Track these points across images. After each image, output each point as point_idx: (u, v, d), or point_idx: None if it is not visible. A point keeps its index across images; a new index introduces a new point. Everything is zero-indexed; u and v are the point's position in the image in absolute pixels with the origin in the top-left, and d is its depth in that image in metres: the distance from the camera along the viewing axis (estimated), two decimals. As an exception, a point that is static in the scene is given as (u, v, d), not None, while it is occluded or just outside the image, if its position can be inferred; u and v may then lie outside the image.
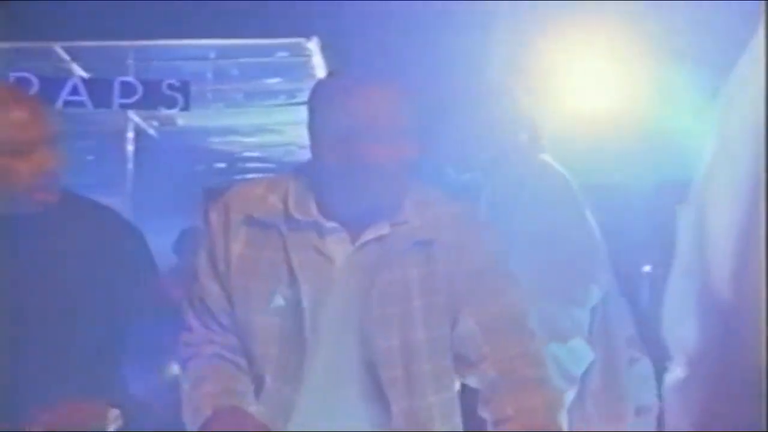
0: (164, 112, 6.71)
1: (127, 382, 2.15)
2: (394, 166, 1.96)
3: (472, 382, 2.02)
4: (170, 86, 6.43)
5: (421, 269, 1.99)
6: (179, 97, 6.43)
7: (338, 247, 1.98)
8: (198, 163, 8.26)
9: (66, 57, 6.46)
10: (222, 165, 8.26)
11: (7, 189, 2.01)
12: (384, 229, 1.99)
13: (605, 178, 5.31)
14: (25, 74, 6.15)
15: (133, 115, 7.18)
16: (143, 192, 7.35)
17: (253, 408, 2.01)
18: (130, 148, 7.37)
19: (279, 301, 2.00)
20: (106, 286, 2.14)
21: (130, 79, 6.44)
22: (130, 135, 7.33)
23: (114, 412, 2.06)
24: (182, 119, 7.33)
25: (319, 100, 1.99)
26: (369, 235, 1.98)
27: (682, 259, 1.06)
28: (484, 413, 2.00)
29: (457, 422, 2.05)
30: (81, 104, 6.37)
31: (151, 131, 7.81)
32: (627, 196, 5.33)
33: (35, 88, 6.18)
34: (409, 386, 1.98)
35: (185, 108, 6.50)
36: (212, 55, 6.71)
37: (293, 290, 1.98)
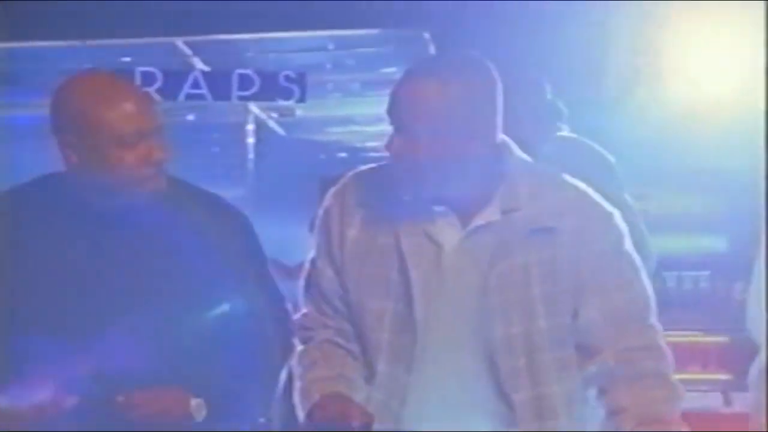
0: (282, 103, 6.79)
1: (223, 373, 2.16)
2: (486, 155, 1.96)
3: (591, 373, 2.00)
4: (287, 78, 6.50)
5: (541, 256, 1.97)
6: (295, 88, 6.50)
7: (448, 232, 1.99)
8: (319, 153, 8.33)
9: (188, 51, 6.61)
10: (343, 155, 8.31)
11: (115, 179, 2.06)
12: (494, 215, 1.99)
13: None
14: (150, 69, 6.33)
15: (254, 107, 7.30)
16: (265, 183, 7.47)
17: (363, 394, 2.03)
18: (250, 140, 7.48)
19: (390, 286, 2.01)
20: (211, 273, 2.17)
21: (247, 71, 6.54)
22: (251, 127, 7.45)
23: (196, 402, 2.07)
24: (301, 110, 7.40)
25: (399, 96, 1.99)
26: (479, 220, 1.98)
27: None
28: (600, 404, 1.98)
29: (581, 413, 2.02)
30: (202, 97, 6.51)
31: (271, 123, 7.93)
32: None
33: (159, 82, 6.36)
34: (531, 376, 1.97)
35: (301, 99, 6.56)
36: (331, 46, 6.75)
37: (403, 275, 2.00)
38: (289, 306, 2.30)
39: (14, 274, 2.12)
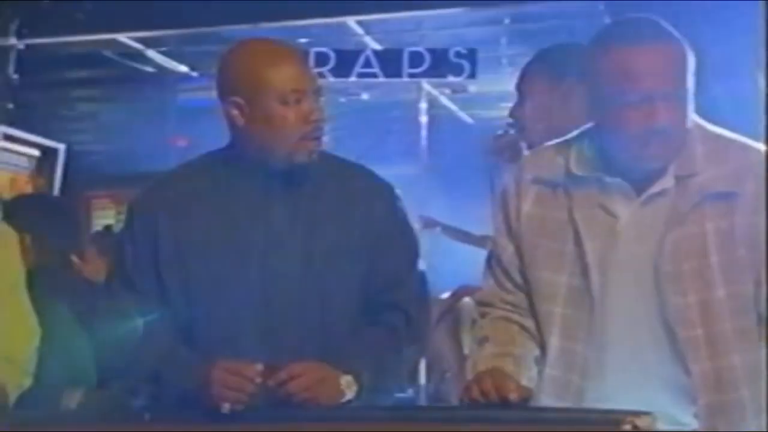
0: (452, 80, 6.78)
1: (370, 348, 2.21)
2: (669, 127, 1.91)
3: None
4: (457, 54, 6.50)
5: (719, 223, 1.93)
6: (466, 64, 6.49)
7: (622, 202, 1.97)
8: (493, 129, 8.28)
9: (359, 31, 6.69)
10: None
11: (278, 137, 2.20)
12: (668, 183, 1.95)
13: None
14: (323, 49, 6.45)
15: (426, 84, 7.33)
16: (438, 159, 7.51)
17: (532, 371, 2.03)
18: (423, 117, 7.52)
19: (564, 259, 2.00)
20: (361, 246, 2.25)
21: (418, 48, 6.57)
22: (423, 105, 7.49)
23: (347, 378, 2.10)
24: (475, 86, 7.39)
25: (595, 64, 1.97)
26: (654, 188, 1.95)
27: None
28: None
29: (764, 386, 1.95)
30: (373, 76, 6.59)
31: (444, 99, 7.94)
32: None
33: (332, 62, 6.47)
34: (710, 346, 1.93)
35: (472, 76, 6.55)
36: (507, 20, 6.70)
37: (578, 248, 1.99)
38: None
39: (187, 244, 2.25)
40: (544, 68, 2.88)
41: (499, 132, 3.03)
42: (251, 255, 2.22)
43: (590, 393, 1.99)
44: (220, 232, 2.24)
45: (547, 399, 2.01)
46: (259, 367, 2.05)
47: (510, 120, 2.97)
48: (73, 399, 3.11)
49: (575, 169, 2.02)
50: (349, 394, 2.11)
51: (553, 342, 2.03)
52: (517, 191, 2.09)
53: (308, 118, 2.18)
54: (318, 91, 2.23)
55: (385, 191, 2.36)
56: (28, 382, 2.10)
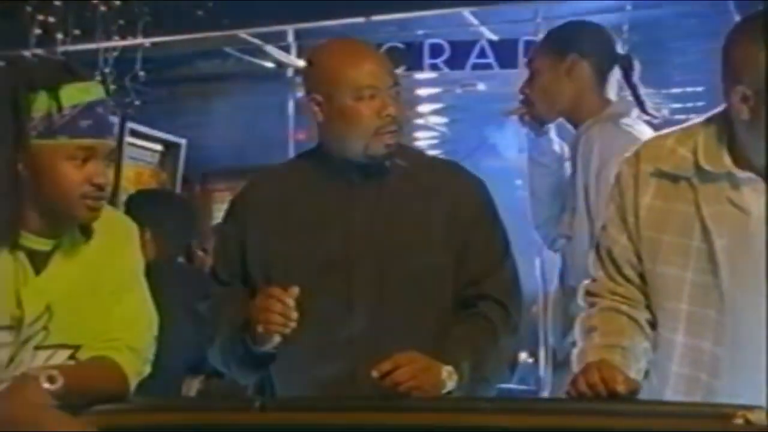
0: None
1: (467, 339, 2.23)
2: None
3: None
4: (570, 42, 6.40)
5: None
6: (579, 51, 6.38)
7: (754, 197, 1.92)
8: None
9: (474, 21, 6.66)
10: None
11: (354, 131, 2.29)
12: None
13: None
14: (437, 41, 6.45)
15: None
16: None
17: (640, 364, 2.01)
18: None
19: (690, 255, 1.96)
20: (449, 238, 2.29)
21: (532, 38, 6.50)
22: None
23: (447, 369, 2.12)
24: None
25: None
26: None
27: None
28: None
29: None
30: (488, 66, 6.55)
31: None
32: None
33: (447, 53, 6.46)
34: None
35: (588, 65, 6.43)
36: (628, 7, 6.57)
37: (706, 243, 1.95)
38: None
39: (273, 244, 2.35)
40: (548, 46, 2.96)
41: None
42: (335, 253, 2.29)
43: (722, 391, 1.96)
44: (305, 230, 2.32)
45: (674, 396, 1.99)
46: (294, 290, 2.08)
47: (520, 96, 3.05)
48: (192, 386, 3.20)
49: (704, 163, 1.97)
50: (450, 385, 2.13)
51: (679, 339, 2.00)
52: (634, 183, 2.06)
53: (381, 113, 2.25)
54: (395, 88, 2.30)
55: (473, 185, 2.39)
56: (147, 369, 2.17)
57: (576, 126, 2.94)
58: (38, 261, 2.04)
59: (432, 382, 2.10)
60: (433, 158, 2.57)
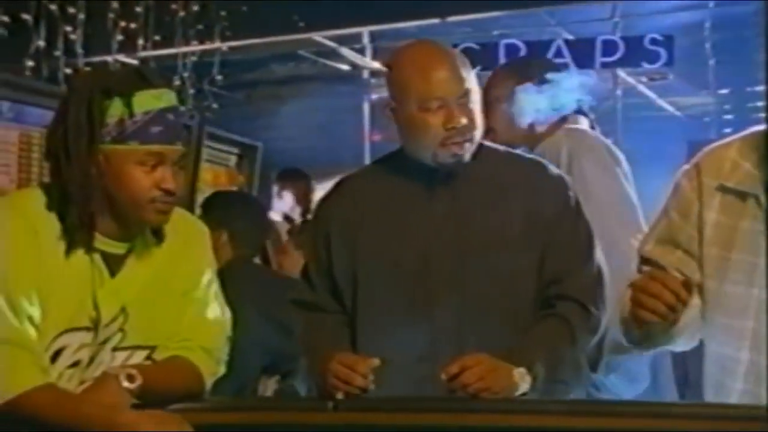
0: (648, 67, 6.60)
1: (542, 340, 2.20)
2: None
3: None
4: (653, 41, 6.32)
5: None
6: (663, 51, 6.30)
7: None
8: (688, 117, 8.09)
9: (550, 21, 6.62)
10: (707, 120, 8.01)
11: (421, 141, 2.28)
12: None
13: None
14: (513, 41, 6.42)
15: (621, 72, 7.17)
16: (633, 146, 7.35)
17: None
18: (619, 105, 7.37)
19: (756, 272, 1.92)
20: (531, 237, 2.27)
21: (612, 37, 6.43)
22: (619, 92, 7.34)
23: (519, 370, 2.09)
24: (674, 73, 7.17)
25: None
26: None
27: None
28: None
29: None
30: (565, 66, 6.47)
31: (641, 87, 7.75)
32: None
33: (522, 52, 6.42)
34: None
35: (669, 63, 6.35)
36: (711, 3, 6.47)
37: None
38: None
39: (358, 249, 2.36)
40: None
41: None
42: (414, 256, 2.29)
43: None
44: (386, 232, 2.33)
45: None
46: (375, 362, 2.10)
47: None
48: (268, 387, 3.23)
49: None
50: (524, 387, 2.10)
51: (743, 356, 1.95)
52: (698, 196, 2.01)
53: (447, 124, 2.23)
54: (465, 97, 2.26)
55: (556, 181, 2.36)
56: (221, 369, 2.20)
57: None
58: (113, 264, 2.08)
59: (502, 383, 2.07)
60: (517, 155, 2.48)
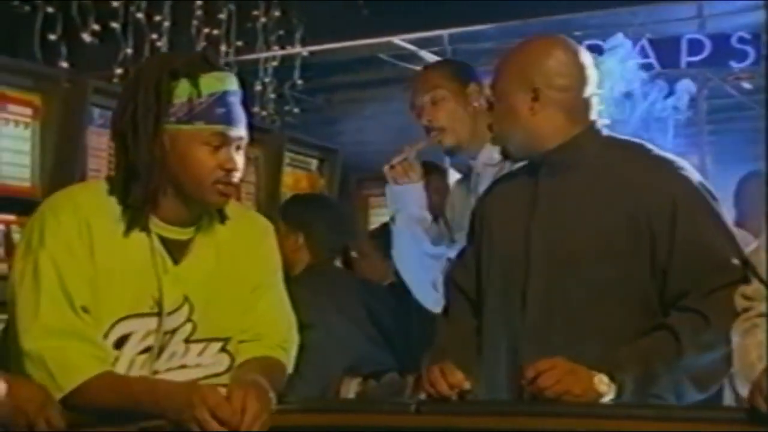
0: (735, 66, 6.46)
1: (637, 351, 2.15)
2: None
3: None
4: (740, 39, 6.18)
5: None
6: (750, 50, 6.16)
7: None
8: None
9: (633, 20, 6.52)
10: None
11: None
12: None
13: None
14: (595, 42, 6.33)
15: (707, 73, 7.03)
16: (719, 147, 7.22)
17: None
18: (704, 105, 7.23)
19: None
20: (644, 238, 2.21)
21: (698, 35, 6.31)
22: (704, 92, 7.20)
23: (600, 376, 2.04)
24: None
25: None
26: None
27: None
28: None
29: None
30: (650, 66, 6.38)
31: (728, 87, 7.59)
32: None
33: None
34: None
35: (756, 62, 6.21)
36: (793, 1, 6.30)
37: None
38: None
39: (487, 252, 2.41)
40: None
41: None
42: (516, 253, 2.28)
43: None
44: (502, 231, 2.37)
45: None
46: (466, 385, 2.10)
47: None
48: (350, 388, 3.23)
49: None
50: (608, 393, 2.05)
51: None
52: None
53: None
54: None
55: (679, 181, 2.25)
56: (291, 369, 2.22)
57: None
58: (175, 251, 2.11)
59: (582, 386, 2.02)
60: (648, 151, 2.32)
